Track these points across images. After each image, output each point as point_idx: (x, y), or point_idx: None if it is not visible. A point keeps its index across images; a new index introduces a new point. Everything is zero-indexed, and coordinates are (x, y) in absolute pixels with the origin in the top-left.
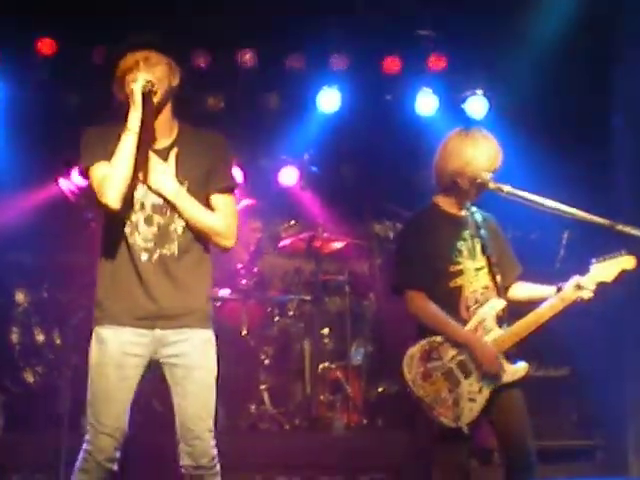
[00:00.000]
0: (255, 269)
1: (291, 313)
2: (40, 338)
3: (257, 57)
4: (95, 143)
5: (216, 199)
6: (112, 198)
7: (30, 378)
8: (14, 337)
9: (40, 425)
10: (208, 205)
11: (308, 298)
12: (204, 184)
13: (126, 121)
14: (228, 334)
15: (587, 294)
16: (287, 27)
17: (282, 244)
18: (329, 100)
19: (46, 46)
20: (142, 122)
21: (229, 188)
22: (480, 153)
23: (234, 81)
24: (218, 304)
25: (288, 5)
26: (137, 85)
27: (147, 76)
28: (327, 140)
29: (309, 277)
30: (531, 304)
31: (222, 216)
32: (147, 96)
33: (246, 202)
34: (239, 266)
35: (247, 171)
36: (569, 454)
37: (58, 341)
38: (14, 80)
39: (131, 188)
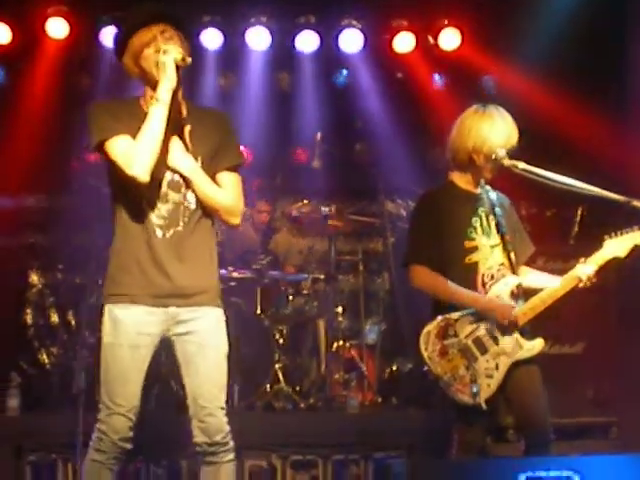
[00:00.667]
0: (269, 248)
1: (305, 292)
2: (55, 319)
3: (268, 36)
4: (106, 117)
5: (224, 176)
6: (142, 170)
7: (45, 359)
8: (29, 318)
9: (56, 405)
10: (215, 182)
11: (322, 277)
12: (213, 161)
13: (147, 95)
14: (242, 314)
15: (584, 282)
16: (298, 5)
17: (295, 223)
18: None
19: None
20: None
21: (237, 166)
22: (497, 130)
23: (246, 61)
24: (233, 284)
25: None
26: (169, 57)
27: (180, 49)
28: (340, 119)
29: (323, 256)
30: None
31: (231, 193)
32: (178, 69)
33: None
34: (253, 247)
35: (259, 150)
36: (585, 431)
37: (73, 322)
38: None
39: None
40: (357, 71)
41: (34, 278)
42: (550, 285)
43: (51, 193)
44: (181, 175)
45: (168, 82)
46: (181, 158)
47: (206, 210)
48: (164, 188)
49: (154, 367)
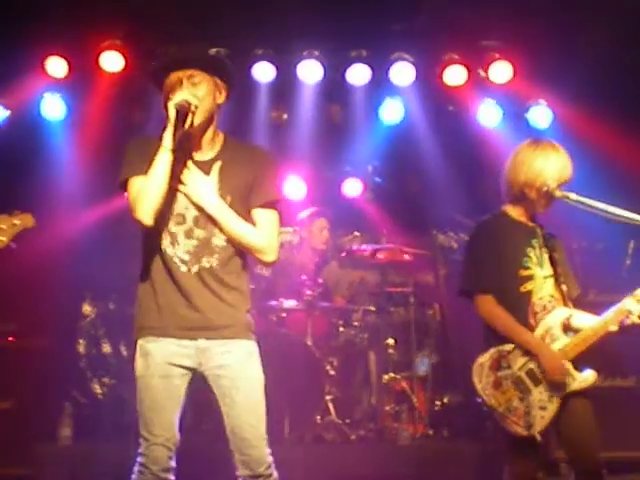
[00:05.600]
0: (320, 280)
1: (356, 324)
2: (107, 349)
3: (320, 70)
4: (135, 156)
5: (258, 214)
6: (144, 214)
7: (97, 389)
8: (81, 348)
9: (108, 435)
10: (250, 219)
11: (373, 309)
12: (246, 198)
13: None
14: (293, 345)
15: (632, 319)
16: (350, 38)
17: (346, 255)
18: (392, 112)
19: (112, 61)
20: (180, 139)
21: (272, 203)
22: (550, 165)
23: (297, 94)
24: (284, 315)
25: (351, 16)
26: (172, 103)
27: (185, 95)
28: (391, 151)
29: (374, 288)
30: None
31: (263, 231)
32: (182, 114)
33: (310, 210)
34: (304, 277)
35: (311, 183)
36: (638, 465)
37: (125, 352)
38: (81, 93)
39: (170, 201)
40: (408, 104)
41: (87, 308)
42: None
43: (103, 225)
44: (206, 211)
45: (170, 127)
46: (205, 194)
47: (238, 247)
48: (189, 224)
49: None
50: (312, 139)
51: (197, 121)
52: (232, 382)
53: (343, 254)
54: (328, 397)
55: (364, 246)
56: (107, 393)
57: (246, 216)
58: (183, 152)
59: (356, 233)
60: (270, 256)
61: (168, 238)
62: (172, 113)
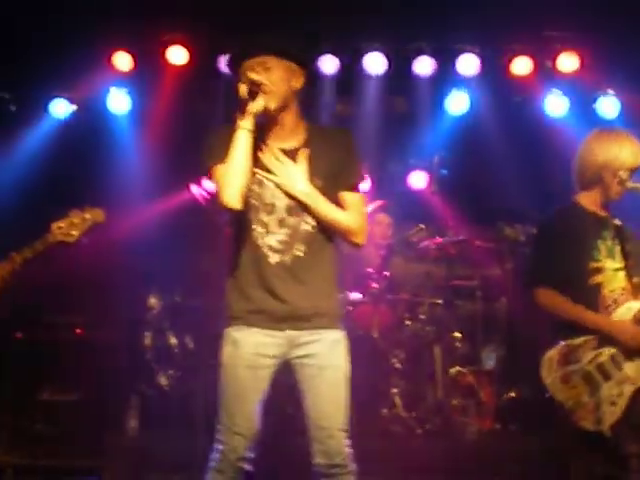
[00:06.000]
0: (386, 273)
1: (422, 317)
2: (173, 342)
3: (385, 61)
4: (217, 143)
5: (346, 196)
6: (229, 197)
7: (164, 381)
8: (147, 341)
9: (175, 427)
10: (338, 202)
11: (439, 302)
12: (334, 181)
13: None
14: (359, 337)
15: None
16: (415, 28)
17: (412, 248)
18: (458, 103)
19: (177, 54)
20: (257, 119)
21: (358, 185)
22: (626, 149)
23: (362, 86)
24: (350, 308)
25: (416, 7)
26: (242, 84)
27: (254, 76)
28: (456, 143)
29: (440, 281)
30: None
31: (353, 213)
32: (252, 92)
33: (376, 203)
34: (370, 270)
35: (376, 176)
36: None
37: (191, 345)
38: (146, 87)
39: (259, 190)
40: (474, 94)
41: (152, 301)
42: None
43: (171, 218)
44: (297, 200)
45: (242, 106)
46: (297, 182)
47: (327, 232)
48: (282, 213)
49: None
50: (377, 132)
51: (272, 105)
52: (317, 371)
53: (409, 247)
54: (394, 390)
55: (430, 239)
56: (173, 385)
57: (334, 199)
58: (267, 140)
59: (422, 226)
60: (361, 238)
61: (260, 228)
62: (242, 90)
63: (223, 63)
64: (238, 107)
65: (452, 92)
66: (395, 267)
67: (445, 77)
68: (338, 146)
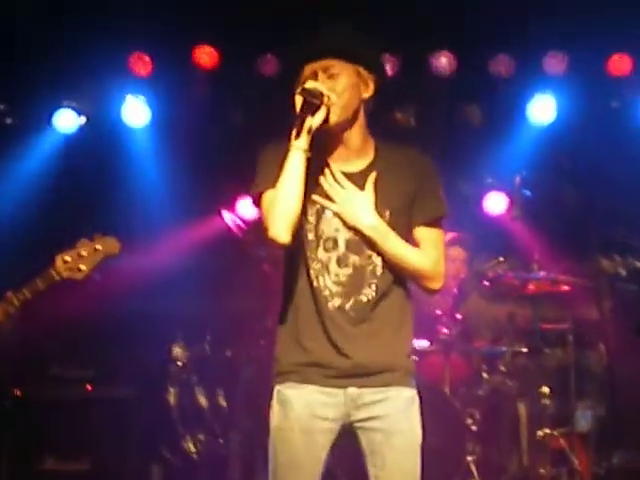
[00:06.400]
0: (458, 315)
1: (503, 369)
2: (202, 400)
3: (455, 62)
4: (271, 164)
5: (422, 232)
6: (278, 230)
7: (192, 447)
8: (172, 399)
9: None
10: (410, 238)
11: (523, 350)
12: (408, 214)
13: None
14: (428, 394)
15: None
16: (490, 26)
17: (490, 285)
18: (543, 109)
19: (206, 56)
20: (315, 136)
21: (438, 220)
22: None
23: (427, 92)
24: (415, 358)
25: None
26: (299, 90)
27: (312, 84)
28: (542, 158)
29: (524, 325)
30: None
31: (429, 253)
32: (310, 104)
33: (449, 236)
34: (439, 312)
35: (446, 198)
36: None
37: (224, 403)
38: (169, 95)
39: (317, 222)
40: (562, 99)
41: (178, 351)
42: None
43: (197, 252)
44: (362, 234)
45: (297, 122)
46: (362, 213)
47: (398, 274)
48: (342, 250)
49: None
50: (445, 145)
51: (335, 118)
52: (385, 437)
53: (486, 284)
54: (470, 457)
55: (511, 274)
56: (203, 452)
57: (407, 234)
58: (327, 161)
59: (501, 259)
60: (437, 283)
61: (317, 266)
62: (298, 102)
63: (261, 65)
64: (293, 122)
65: (535, 97)
66: (469, 308)
67: (527, 79)
68: (414, 171)
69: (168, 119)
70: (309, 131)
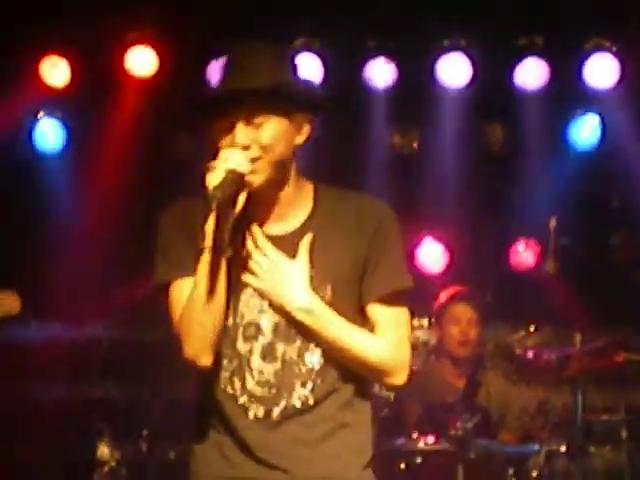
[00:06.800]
0: (475, 403)
1: (535, 473)
2: None
3: (470, 70)
4: (175, 239)
5: (378, 311)
6: (194, 353)
7: None
8: None
9: None
10: (360, 317)
11: (562, 449)
12: (355, 285)
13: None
14: None
15: None
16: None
17: (517, 364)
18: (584, 130)
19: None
20: (233, 225)
21: (398, 294)
22: None
23: (434, 107)
24: (418, 460)
25: None
26: (210, 179)
27: (231, 161)
28: (584, 193)
29: (563, 415)
30: None
31: (388, 337)
32: (226, 204)
33: (450, 290)
34: (449, 399)
35: (457, 248)
36: None
37: None
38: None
39: (233, 303)
40: (609, 118)
41: (104, 451)
42: None
43: (130, 319)
44: (293, 318)
45: (209, 219)
46: (291, 291)
47: (345, 369)
48: (268, 337)
49: None
50: (457, 177)
51: (261, 180)
52: None
53: (511, 361)
54: None
55: (545, 349)
56: None
57: (355, 314)
58: (248, 220)
59: (532, 328)
60: (399, 377)
61: (232, 363)
62: (211, 201)
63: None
64: (202, 216)
65: (575, 113)
66: (490, 394)
67: (564, 90)
68: (365, 228)
69: (89, 142)
70: (228, 226)
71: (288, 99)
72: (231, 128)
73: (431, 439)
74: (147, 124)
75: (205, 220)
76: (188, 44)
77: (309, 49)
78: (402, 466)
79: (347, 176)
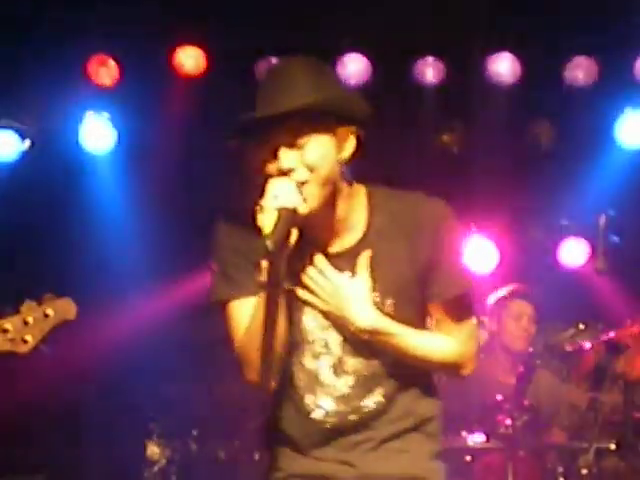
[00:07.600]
0: (525, 401)
1: (585, 471)
2: None
3: (520, 67)
4: (232, 257)
5: (443, 310)
6: (255, 377)
7: None
8: None
9: None
10: (421, 319)
11: (611, 447)
12: (418, 291)
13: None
14: None
15: None
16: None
17: (567, 362)
18: (635, 128)
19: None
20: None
21: (461, 295)
22: None
23: (481, 105)
24: (468, 458)
25: None
26: (263, 223)
27: (280, 200)
28: (634, 192)
29: (613, 414)
30: None
31: (454, 335)
32: (283, 245)
33: (503, 291)
34: (499, 397)
35: (507, 247)
36: None
37: None
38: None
39: (298, 323)
40: None
41: (154, 450)
42: None
43: (179, 319)
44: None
45: (269, 260)
46: (354, 312)
47: (414, 368)
48: (336, 353)
49: None
50: (506, 176)
51: (312, 204)
52: None
53: (562, 360)
54: None
55: (596, 347)
56: None
57: (418, 315)
58: (304, 244)
59: (581, 326)
60: (468, 369)
61: (303, 381)
62: (270, 242)
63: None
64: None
65: (626, 112)
66: (540, 392)
67: (615, 89)
68: (424, 231)
69: (138, 143)
70: (283, 260)
71: (329, 116)
72: (273, 152)
73: (481, 437)
74: (196, 124)
75: (262, 256)
76: (237, 43)
77: (356, 49)
78: (453, 464)
79: (395, 175)
